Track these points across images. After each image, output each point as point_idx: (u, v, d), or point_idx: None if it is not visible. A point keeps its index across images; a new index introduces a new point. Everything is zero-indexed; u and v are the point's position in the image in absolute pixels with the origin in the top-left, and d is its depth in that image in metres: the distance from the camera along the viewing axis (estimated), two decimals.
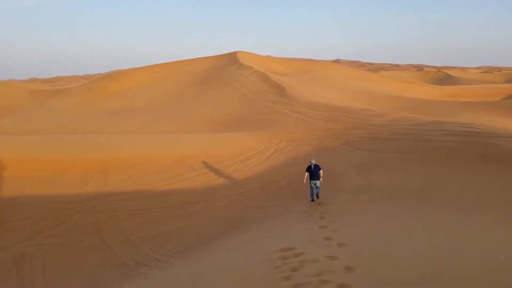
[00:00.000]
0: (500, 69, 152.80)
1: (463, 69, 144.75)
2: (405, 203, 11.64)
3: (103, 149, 19.71)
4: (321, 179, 12.96)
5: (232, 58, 51.77)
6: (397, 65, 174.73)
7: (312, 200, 13.07)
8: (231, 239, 11.05)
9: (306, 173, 13.10)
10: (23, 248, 11.85)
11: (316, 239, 8.61)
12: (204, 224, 13.09)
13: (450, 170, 13.66)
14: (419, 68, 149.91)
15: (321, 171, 13.03)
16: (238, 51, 54.41)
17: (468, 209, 10.43)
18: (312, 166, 13.03)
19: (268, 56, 62.73)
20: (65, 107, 43.35)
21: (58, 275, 10.80)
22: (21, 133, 26.94)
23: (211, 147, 21.17)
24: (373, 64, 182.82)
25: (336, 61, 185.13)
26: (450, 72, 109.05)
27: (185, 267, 9.64)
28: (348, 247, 7.75)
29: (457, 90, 51.93)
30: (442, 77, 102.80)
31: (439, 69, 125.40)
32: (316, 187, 12.96)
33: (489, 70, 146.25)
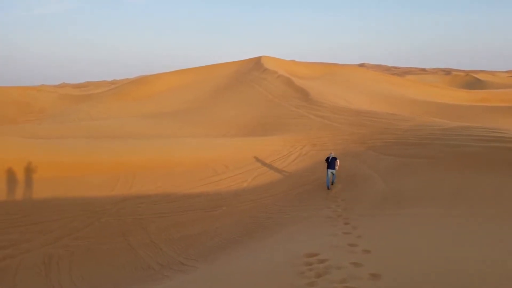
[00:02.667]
0: None
1: (493, 73, 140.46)
2: (432, 209, 11.35)
3: (130, 152, 20.07)
4: (337, 167, 15.60)
5: (256, 63, 51.95)
6: (424, 69, 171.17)
7: (328, 188, 15.38)
8: (254, 243, 11.03)
9: (326, 162, 15.82)
10: (51, 249, 12.16)
11: (340, 245, 8.49)
12: (228, 228, 13.13)
13: (479, 176, 13.24)
14: (447, 72, 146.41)
15: (337, 160, 15.69)
16: (263, 56, 54.57)
17: (499, 217, 10.07)
18: (330, 158, 15.66)
19: (292, 61, 62.55)
20: (94, 112, 44.46)
21: (84, 276, 11.03)
22: (53, 136, 27.72)
23: (235, 151, 21.25)
24: (399, 68, 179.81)
25: (361, 65, 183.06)
26: (479, 76, 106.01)
27: (208, 271, 9.68)
28: (374, 254, 7.61)
29: (487, 94, 50.41)
30: (470, 81, 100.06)
31: (467, 73, 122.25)
32: (333, 174, 15.57)
33: None
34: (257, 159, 19.74)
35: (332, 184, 15.53)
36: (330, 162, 15.48)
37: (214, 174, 18.06)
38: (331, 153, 16.04)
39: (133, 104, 45.47)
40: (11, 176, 16.25)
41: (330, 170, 15.45)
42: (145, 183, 16.94)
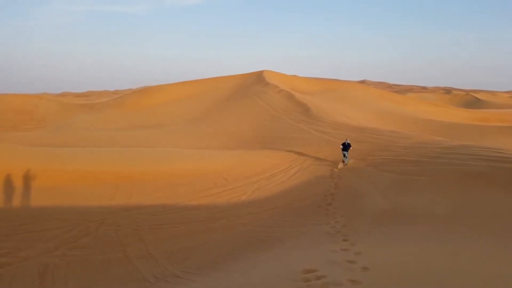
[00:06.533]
0: None
1: (493, 93, 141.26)
2: (431, 227, 11.31)
3: (131, 162, 20.06)
4: (349, 151, 19.74)
5: (258, 77, 52.28)
6: (424, 87, 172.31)
7: (343, 162, 19.71)
8: (253, 257, 10.95)
9: (341, 146, 20.05)
10: (47, 259, 12.05)
11: (339, 261, 8.44)
12: (226, 241, 13.04)
13: (479, 195, 13.24)
14: (447, 91, 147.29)
15: (351, 148, 19.86)
16: (265, 70, 54.95)
17: (499, 235, 10.04)
18: (346, 143, 19.84)
19: (295, 76, 63.00)
20: (96, 121, 44.59)
21: (79, 287, 10.91)
22: (53, 145, 27.74)
23: (235, 163, 21.24)
24: (399, 85, 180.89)
25: (362, 82, 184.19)
26: (479, 96, 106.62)
27: (205, 284, 9.59)
28: (372, 271, 7.56)
29: (487, 114, 50.59)
30: (470, 100, 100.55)
31: (467, 92, 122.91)
32: (345, 156, 19.70)
33: None
34: (257, 173, 19.71)
35: (345, 163, 19.69)
36: (346, 147, 19.75)
37: (214, 186, 18.02)
38: (347, 139, 20.32)
39: (135, 114, 45.62)
40: (9, 183, 16.22)
41: (343, 152, 19.78)
42: (145, 193, 16.90)
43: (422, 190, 14.68)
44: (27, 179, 16.63)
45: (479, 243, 9.59)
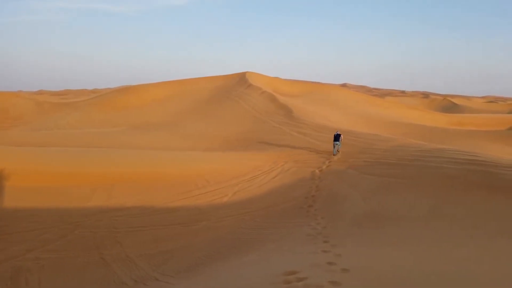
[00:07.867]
0: (505, 99, 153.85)
1: (468, 98, 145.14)
2: (411, 229, 11.44)
3: (110, 163, 19.68)
4: (340, 140, 21.39)
5: (241, 78, 52.23)
6: (403, 92, 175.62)
7: (334, 155, 21.27)
8: (233, 260, 10.86)
9: (333, 137, 21.67)
10: (20, 262, 11.68)
11: (319, 263, 8.43)
12: (207, 244, 12.90)
13: (457, 197, 13.47)
14: (425, 95, 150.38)
15: (341, 137, 21.52)
16: (247, 72, 54.94)
17: (478, 238, 10.21)
18: (336, 134, 21.54)
19: (277, 78, 63.11)
20: (74, 120, 43.68)
21: None
22: (29, 144, 27.03)
23: (217, 165, 21.09)
24: (379, 89, 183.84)
25: (344, 85, 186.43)
26: (456, 101, 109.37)
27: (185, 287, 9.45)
28: (352, 273, 7.57)
29: (462, 118, 51.90)
30: (447, 105, 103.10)
31: (444, 97, 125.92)
32: (336, 145, 21.33)
33: (494, 100, 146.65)
34: (239, 174, 19.59)
35: (337, 152, 21.33)
36: (336, 137, 21.37)
37: (195, 188, 17.83)
38: (337, 131, 22.30)
39: (115, 114, 44.88)
40: None
41: (335, 142, 21.39)
42: (124, 195, 16.59)
43: (402, 192, 14.84)
44: (2, 179, 16.12)
45: (458, 244, 9.74)
